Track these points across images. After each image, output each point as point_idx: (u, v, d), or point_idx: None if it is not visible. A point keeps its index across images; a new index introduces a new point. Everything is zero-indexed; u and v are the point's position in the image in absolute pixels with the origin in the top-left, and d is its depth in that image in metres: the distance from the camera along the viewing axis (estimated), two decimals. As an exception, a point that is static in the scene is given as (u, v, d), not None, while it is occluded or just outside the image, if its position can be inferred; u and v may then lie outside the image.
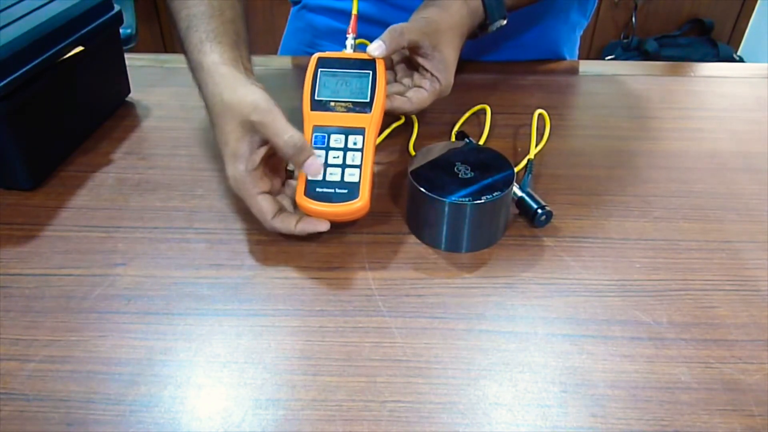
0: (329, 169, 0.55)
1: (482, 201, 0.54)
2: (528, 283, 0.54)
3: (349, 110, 0.57)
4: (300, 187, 0.54)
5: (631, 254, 0.57)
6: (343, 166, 0.55)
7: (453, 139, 0.70)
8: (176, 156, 0.69)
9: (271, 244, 0.57)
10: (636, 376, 0.46)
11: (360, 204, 0.54)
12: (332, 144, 0.55)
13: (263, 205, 0.55)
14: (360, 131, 0.56)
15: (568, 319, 0.51)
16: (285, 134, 0.52)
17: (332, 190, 0.54)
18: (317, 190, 0.54)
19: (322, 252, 0.57)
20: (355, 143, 0.55)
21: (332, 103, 0.57)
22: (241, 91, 0.55)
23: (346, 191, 0.54)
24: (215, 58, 0.58)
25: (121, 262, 0.55)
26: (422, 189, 0.55)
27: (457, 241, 0.56)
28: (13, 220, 0.60)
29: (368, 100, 0.57)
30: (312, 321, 0.50)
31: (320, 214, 0.54)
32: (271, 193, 0.56)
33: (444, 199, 0.54)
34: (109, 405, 0.44)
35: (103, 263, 0.55)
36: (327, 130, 0.56)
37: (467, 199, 0.54)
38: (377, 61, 0.59)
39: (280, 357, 0.47)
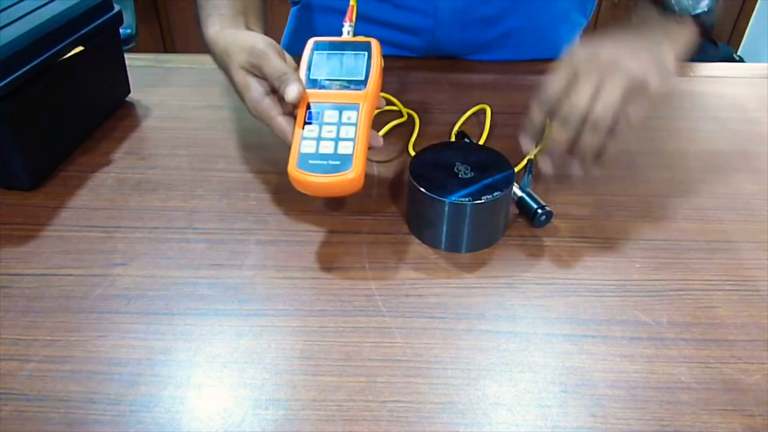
0: (322, 143, 0.54)
1: (482, 201, 0.54)
2: (528, 283, 0.54)
3: (343, 87, 0.57)
4: (293, 159, 0.54)
5: (631, 254, 0.57)
6: (337, 139, 0.54)
7: (453, 138, 0.70)
8: (176, 156, 0.69)
9: (271, 244, 0.57)
10: (636, 376, 0.46)
11: (353, 175, 0.52)
12: (326, 119, 0.55)
13: (284, 125, 0.56)
14: (354, 107, 0.56)
15: (568, 319, 0.51)
16: (273, 71, 0.55)
17: (325, 162, 0.53)
18: (310, 162, 0.53)
19: (322, 252, 0.57)
20: (349, 118, 0.55)
21: (327, 82, 0.57)
22: (239, 38, 0.59)
23: (338, 162, 0.53)
24: (216, 28, 0.63)
25: (121, 262, 0.55)
26: (422, 189, 0.55)
27: (457, 241, 0.56)
28: (13, 220, 0.60)
29: (363, 78, 0.57)
30: (312, 321, 0.50)
31: (312, 186, 0.53)
32: (293, 115, 0.57)
33: (444, 199, 0.54)
34: (109, 405, 0.44)
35: (103, 263, 0.55)
36: (321, 107, 0.56)
37: (467, 199, 0.54)
38: (372, 42, 0.60)
39: (280, 357, 0.47)
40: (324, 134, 0.54)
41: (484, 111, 0.74)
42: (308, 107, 0.56)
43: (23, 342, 0.48)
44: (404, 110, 0.75)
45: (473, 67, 0.84)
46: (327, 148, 0.54)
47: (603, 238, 0.58)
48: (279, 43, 0.98)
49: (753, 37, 2.26)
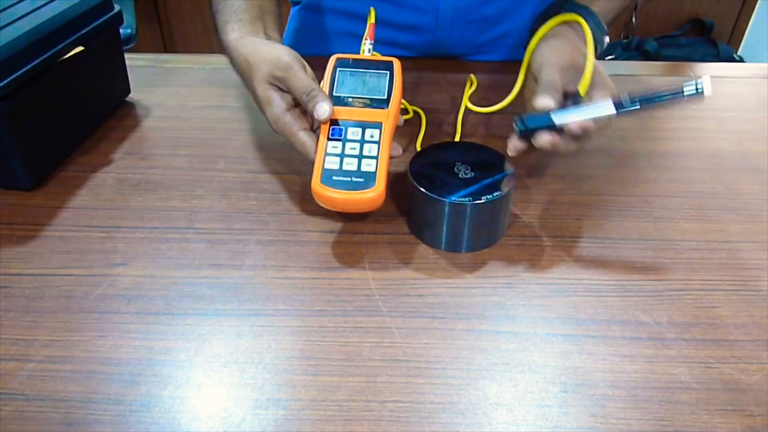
0: (346, 159, 0.55)
1: (482, 201, 0.54)
2: (528, 283, 0.54)
3: (366, 106, 0.58)
4: (316, 174, 0.54)
5: (631, 254, 0.57)
6: (360, 156, 0.55)
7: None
8: (176, 156, 0.69)
9: (271, 244, 0.57)
10: (636, 376, 0.46)
11: (375, 193, 0.53)
12: (349, 136, 0.56)
13: (305, 140, 0.57)
14: (377, 125, 0.57)
15: (568, 319, 0.51)
16: (299, 85, 0.56)
17: (349, 179, 0.54)
18: (333, 178, 0.54)
19: (322, 252, 0.57)
20: (372, 136, 0.56)
21: (350, 99, 0.58)
22: (263, 49, 0.59)
23: (362, 180, 0.54)
24: (236, 34, 0.63)
25: (121, 262, 0.55)
26: (422, 189, 0.55)
27: (457, 241, 0.56)
28: (13, 220, 0.60)
29: (386, 97, 0.58)
30: (312, 321, 0.50)
31: (336, 202, 0.54)
32: (313, 129, 0.58)
33: (444, 199, 0.54)
34: (109, 405, 0.44)
35: (103, 263, 0.55)
36: (344, 124, 0.57)
37: (467, 199, 0.54)
38: (394, 62, 0.60)
39: (280, 357, 0.47)
40: (347, 151, 0.55)
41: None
42: (332, 123, 0.57)
43: (23, 342, 0.48)
44: (410, 108, 0.75)
45: (473, 67, 0.84)
46: (350, 165, 0.55)
47: (603, 238, 0.58)
48: (279, 43, 0.98)
49: (753, 37, 2.25)
